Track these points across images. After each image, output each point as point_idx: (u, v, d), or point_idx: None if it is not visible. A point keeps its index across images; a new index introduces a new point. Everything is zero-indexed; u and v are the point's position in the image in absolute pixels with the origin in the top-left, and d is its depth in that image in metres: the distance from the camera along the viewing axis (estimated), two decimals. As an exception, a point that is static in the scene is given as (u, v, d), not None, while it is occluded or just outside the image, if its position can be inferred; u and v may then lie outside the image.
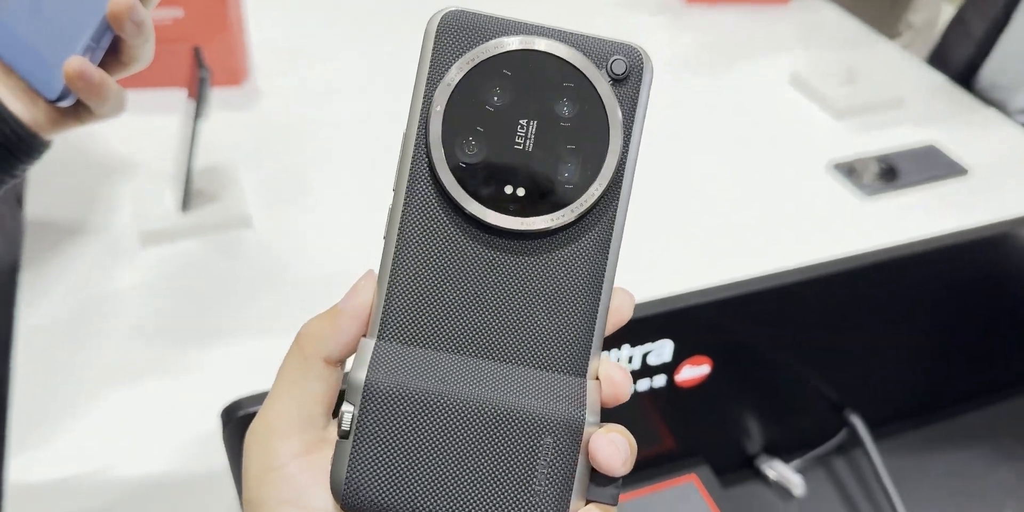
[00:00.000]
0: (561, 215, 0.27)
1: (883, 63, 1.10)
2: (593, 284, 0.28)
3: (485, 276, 0.28)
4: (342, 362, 0.29)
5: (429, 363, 0.27)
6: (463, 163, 0.27)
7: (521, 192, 0.27)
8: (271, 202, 0.82)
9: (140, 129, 0.89)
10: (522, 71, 0.27)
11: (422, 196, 0.27)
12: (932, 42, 1.15)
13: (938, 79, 1.07)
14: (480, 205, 0.27)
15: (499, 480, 0.27)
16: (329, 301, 0.29)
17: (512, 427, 0.27)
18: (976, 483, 0.66)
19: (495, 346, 0.28)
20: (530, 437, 0.27)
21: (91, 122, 0.47)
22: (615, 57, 0.27)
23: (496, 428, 0.27)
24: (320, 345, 0.28)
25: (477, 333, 0.28)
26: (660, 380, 0.56)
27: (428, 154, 0.27)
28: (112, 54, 0.45)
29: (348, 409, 0.27)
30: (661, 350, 0.54)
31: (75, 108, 0.46)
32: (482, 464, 0.27)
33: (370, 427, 0.26)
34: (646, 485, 0.61)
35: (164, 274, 0.74)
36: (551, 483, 0.27)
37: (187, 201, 0.77)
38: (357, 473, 0.26)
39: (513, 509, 0.26)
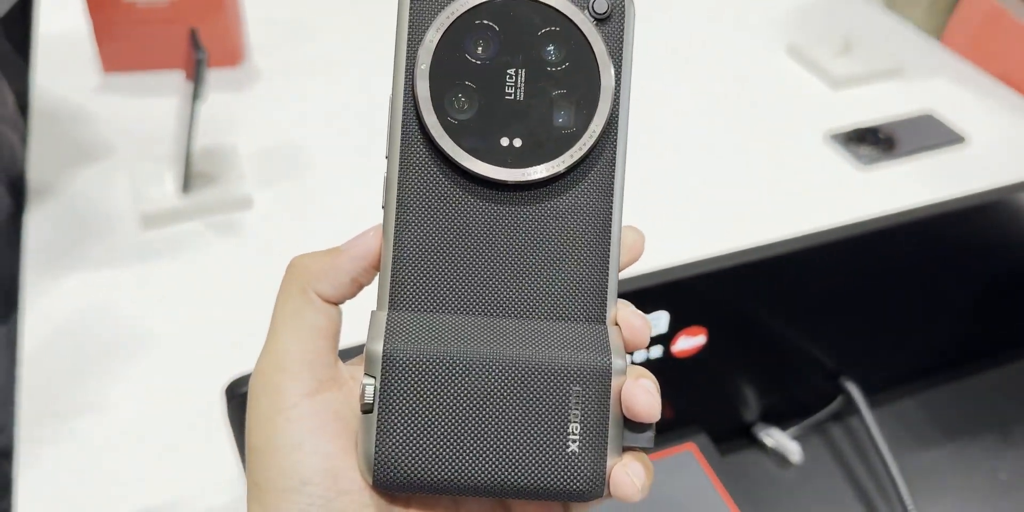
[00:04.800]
0: (561, 162, 0.27)
1: (880, 32, 1.09)
2: (602, 228, 0.28)
3: (491, 233, 0.27)
4: (336, 302, 0.28)
5: (446, 327, 0.26)
6: (455, 120, 0.26)
7: (518, 143, 0.26)
8: (271, 182, 0.82)
9: (138, 112, 0.90)
10: (503, 20, 0.26)
11: (418, 159, 0.27)
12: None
13: (935, 47, 1.07)
14: (478, 160, 0.26)
15: (535, 438, 0.25)
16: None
17: (540, 381, 0.26)
18: (971, 448, 0.67)
19: (510, 302, 0.27)
20: (559, 389, 0.26)
21: None
22: None
23: (524, 384, 0.26)
24: (314, 280, 0.27)
25: (490, 291, 0.27)
26: (656, 351, 0.56)
27: (419, 115, 0.26)
28: None
29: (368, 382, 0.25)
30: (657, 321, 0.55)
31: None
32: (515, 424, 0.25)
33: (394, 398, 0.25)
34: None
35: (165, 256, 0.75)
36: (587, 434, 0.26)
37: (187, 183, 0.78)
38: (387, 448, 0.25)
39: (552, 467, 0.25)
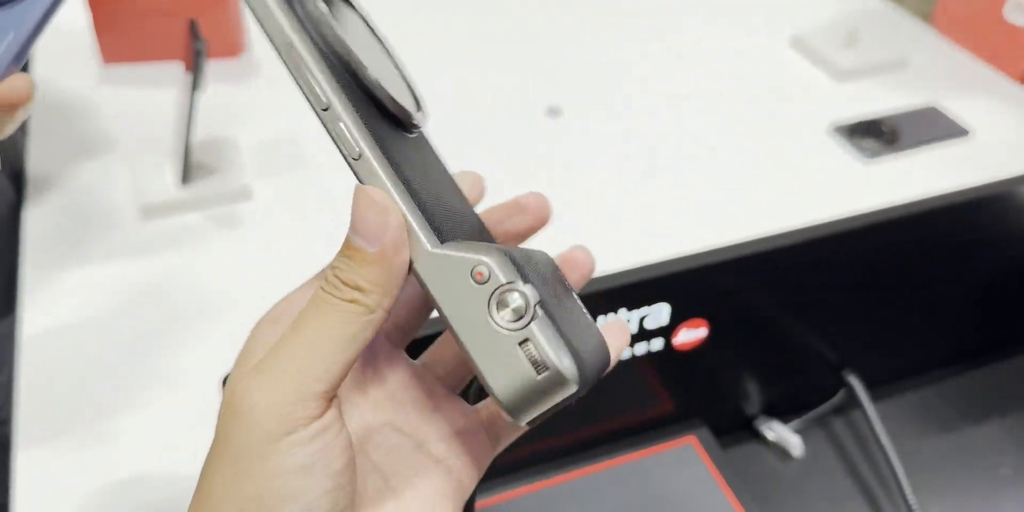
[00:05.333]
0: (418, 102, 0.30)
1: (885, 25, 1.09)
2: (442, 162, 0.32)
3: (428, 171, 0.29)
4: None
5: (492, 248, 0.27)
6: (373, 74, 0.27)
7: (405, 90, 0.30)
8: (271, 174, 0.82)
9: (138, 103, 0.89)
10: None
11: (365, 107, 0.27)
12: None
13: (939, 40, 1.06)
14: (408, 104, 0.29)
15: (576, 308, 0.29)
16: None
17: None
18: (973, 442, 0.66)
19: (462, 230, 0.29)
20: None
21: None
22: None
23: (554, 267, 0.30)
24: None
25: (455, 221, 0.29)
26: (658, 344, 0.56)
27: (353, 69, 0.27)
28: None
29: (522, 288, 0.25)
30: (658, 314, 0.54)
31: None
32: (565, 298, 0.29)
33: (548, 299, 0.26)
34: (645, 447, 0.62)
35: (165, 247, 0.74)
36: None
37: (187, 174, 0.77)
38: (572, 348, 0.25)
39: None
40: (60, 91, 0.91)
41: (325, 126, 0.27)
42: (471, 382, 0.35)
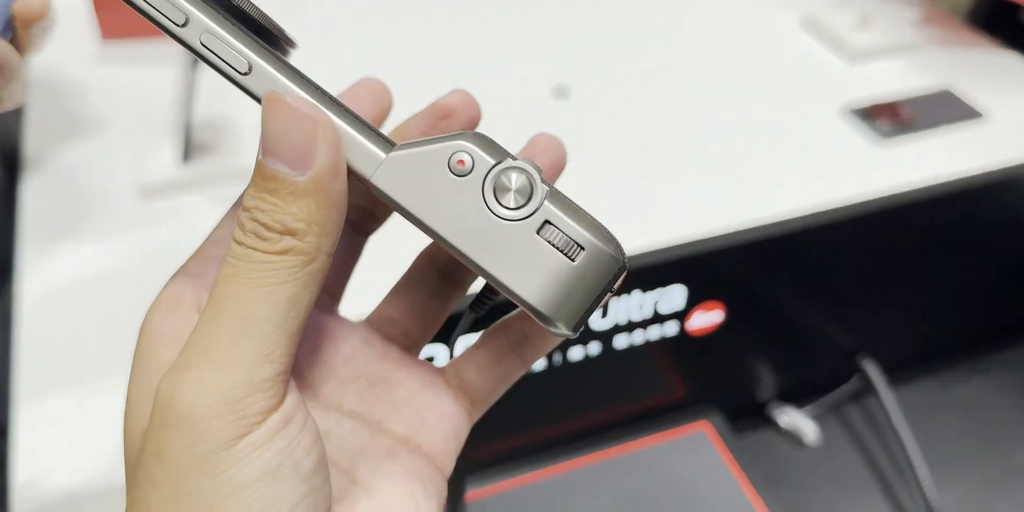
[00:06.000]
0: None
1: (898, 6, 1.07)
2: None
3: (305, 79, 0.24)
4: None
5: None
6: None
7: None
8: (273, 154, 0.80)
9: (137, 80, 0.88)
10: None
11: (233, 23, 0.22)
12: None
13: (953, 22, 1.05)
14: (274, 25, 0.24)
15: None
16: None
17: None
18: (991, 428, 0.65)
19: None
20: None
21: None
22: None
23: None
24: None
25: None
26: (672, 327, 0.55)
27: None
28: None
29: (519, 164, 0.21)
30: (672, 297, 0.53)
31: None
32: None
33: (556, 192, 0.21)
34: (657, 432, 0.61)
35: (165, 227, 0.73)
36: None
37: (187, 154, 0.76)
38: (597, 222, 0.21)
39: None
40: (57, 67, 0.89)
41: (193, 49, 0.22)
42: (448, 332, 0.30)
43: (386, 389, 0.27)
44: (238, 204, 0.25)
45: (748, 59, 0.97)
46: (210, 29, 0.21)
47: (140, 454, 0.21)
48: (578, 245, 0.20)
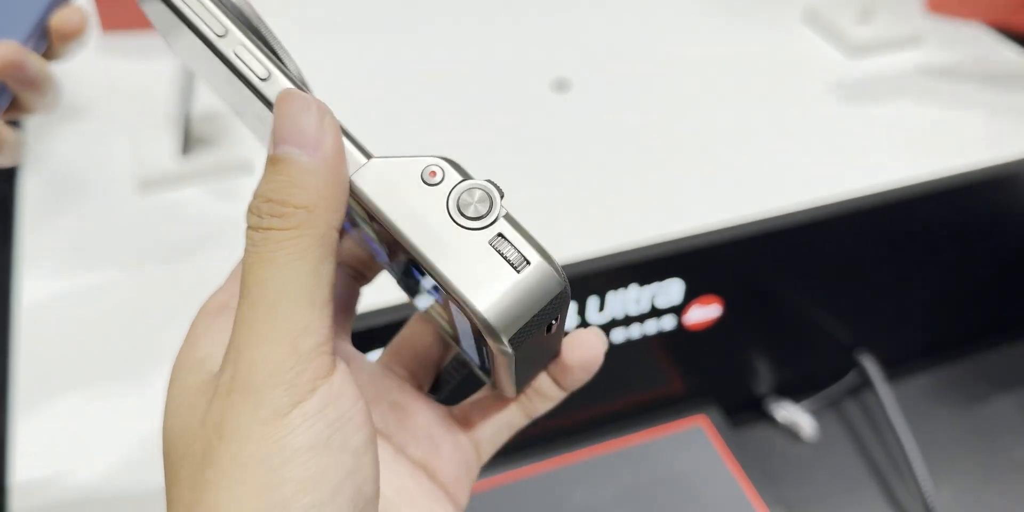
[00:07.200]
0: None
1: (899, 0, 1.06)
2: None
3: None
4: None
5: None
6: None
7: None
8: (272, 147, 0.80)
9: (137, 73, 0.87)
10: None
11: (261, 44, 0.25)
12: None
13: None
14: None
15: None
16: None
17: None
18: (988, 424, 0.65)
19: None
20: None
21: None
22: None
23: None
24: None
25: None
26: (669, 322, 0.55)
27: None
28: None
29: (482, 184, 0.23)
30: (669, 290, 0.53)
31: None
32: None
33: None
34: (654, 426, 0.61)
35: (164, 220, 0.73)
36: None
37: (186, 147, 0.76)
38: (542, 246, 0.23)
39: None
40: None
41: (222, 55, 0.24)
42: (436, 379, 0.33)
43: (405, 416, 0.29)
44: None
45: (747, 53, 0.97)
46: (243, 42, 0.24)
47: (196, 442, 0.22)
48: (525, 259, 0.22)
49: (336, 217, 0.22)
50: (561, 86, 0.90)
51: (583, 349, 0.28)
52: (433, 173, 0.23)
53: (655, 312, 0.54)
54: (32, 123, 0.81)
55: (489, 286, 0.22)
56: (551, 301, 0.23)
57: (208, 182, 0.76)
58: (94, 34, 0.92)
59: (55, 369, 0.61)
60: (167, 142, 0.77)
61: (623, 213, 0.76)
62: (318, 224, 0.22)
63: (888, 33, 0.98)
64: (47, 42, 0.38)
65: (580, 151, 0.83)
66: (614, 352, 0.55)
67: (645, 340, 0.55)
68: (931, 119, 0.88)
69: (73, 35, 0.36)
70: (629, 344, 0.55)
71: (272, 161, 0.22)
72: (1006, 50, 0.99)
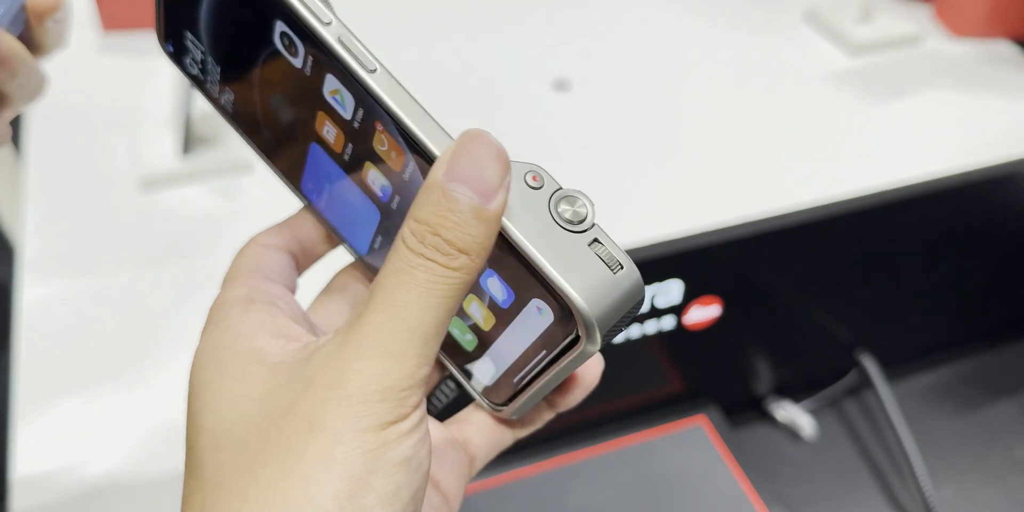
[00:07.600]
0: None
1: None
2: None
3: None
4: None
5: None
6: None
7: None
8: (273, 146, 0.80)
9: (138, 72, 0.87)
10: None
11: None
12: None
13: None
14: None
15: None
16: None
17: None
18: (987, 423, 0.65)
19: None
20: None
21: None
22: None
23: None
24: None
25: None
26: (669, 322, 0.55)
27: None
28: None
29: (577, 192, 0.24)
30: (669, 290, 0.53)
31: None
32: None
33: None
34: (654, 426, 0.61)
35: (164, 220, 0.73)
36: None
37: (187, 146, 0.76)
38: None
39: None
40: (57, 58, 0.89)
41: (332, 49, 0.26)
42: (428, 399, 0.34)
43: None
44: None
45: (746, 55, 0.97)
46: (350, 31, 0.26)
47: (272, 427, 0.23)
48: (620, 263, 0.24)
49: (483, 267, 0.24)
50: (562, 86, 0.90)
51: (584, 369, 0.29)
52: (536, 177, 0.24)
53: (655, 312, 0.54)
54: (32, 123, 0.81)
55: (591, 285, 0.23)
56: (634, 306, 0.24)
57: (209, 181, 0.76)
58: (95, 33, 0.92)
59: (55, 369, 0.61)
60: (167, 142, 0.78)
61: (623, 213, 0.76)
62: (474, 273, 0.23)
63: (888, 33, 0.98)
64: (23, 23, 0.37)
65: (580, 151, 0.83)
66: (614, 352, 0.55)
67: (645, 340, 0.55)
68: (931, 119, 0.88)
69: (47, 12, 0.36)
70: (629, 344, 0.55)
71: (444, 194, 0.22)
72: (1006, 49, 0.99)
